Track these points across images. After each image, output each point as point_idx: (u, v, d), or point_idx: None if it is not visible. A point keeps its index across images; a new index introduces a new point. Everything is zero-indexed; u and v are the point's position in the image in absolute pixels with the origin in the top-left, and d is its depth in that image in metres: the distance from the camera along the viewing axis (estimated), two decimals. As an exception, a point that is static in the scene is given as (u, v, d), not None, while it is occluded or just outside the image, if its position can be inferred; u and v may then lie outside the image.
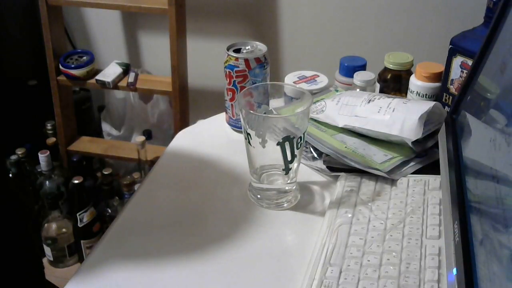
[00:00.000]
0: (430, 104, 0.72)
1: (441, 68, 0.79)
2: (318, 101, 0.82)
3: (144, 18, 1.79)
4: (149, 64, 1.88)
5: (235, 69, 0.79)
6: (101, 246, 0.64)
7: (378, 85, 0.88)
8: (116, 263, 0.61)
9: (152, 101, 1.82)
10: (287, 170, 0.66)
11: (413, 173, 0.70)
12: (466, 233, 0.50)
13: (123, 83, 1.61)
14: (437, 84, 0.80)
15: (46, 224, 1.49)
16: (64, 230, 1.51)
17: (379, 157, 0.72)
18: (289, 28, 1.68)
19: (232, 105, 0.84)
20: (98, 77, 1.60)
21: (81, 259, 1.55)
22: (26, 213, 1.10)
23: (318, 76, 0.90)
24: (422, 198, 0.65)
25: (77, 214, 1.44)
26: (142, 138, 1.58)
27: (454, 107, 0.69)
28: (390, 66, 0.85)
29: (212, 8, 1.70)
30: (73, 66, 1.60)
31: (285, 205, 0.69)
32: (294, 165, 0.66)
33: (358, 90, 0.85)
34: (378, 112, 0.73)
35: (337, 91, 0.86)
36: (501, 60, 0.57)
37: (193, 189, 0.73)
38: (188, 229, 0.66)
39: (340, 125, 0.76)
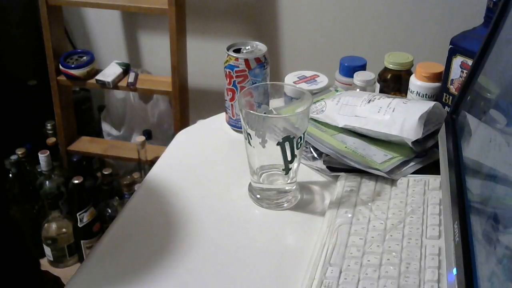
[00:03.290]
0: (430, 104, 0.72)
1: (441, 68, 0.79)
2: (318, 101, 0.82)
3: (144, 18, 1.79)
4: (149, 64, 1.88)
5: (235, 69, 0.79)
6: (101, 246, 0.64)
7: (378, 85, 0.88)
8: (116, 263, 0.61)
9: (152, 101, 1.82)
10: (287, 170, 0.66)
11: (413, 173, 0.70)
12: (466, 233, 0.50)
13: (123, 83, 1.61)
14: (437, 84, 0.80)
15: (46, 224, 1.49)
16: (64, 230, 1.51)
17: (379, 157, 0.72)
18: (289, 28, 1.68)
19: (232, 105, 0.84)
20: (98, 77, 1.60)
21: (81, 259, 1.55)
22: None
23: (318, 76, 0.90)
24: (422, 198, 0.65)
25: (77, 214, 1.44)
26: (142, 138, 1.58)
27: (454, 107, 0.69)
28: (390, 66, 0.85)
29: (212, 8, 1.70)
30: (73, 66, 1.60)
31: (285, 205, 0.69)
32: (294, 165, 0.66)
33: (358, 90, 0.85)
34: (378, 112, 0.73)
35: (337, 91, 0.86)
36: (501, 60, 0.57)
37: (193, 189, 0.73)
38: (188, 229, 0.66)
39: (340, 125, 0.76)
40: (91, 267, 0.61)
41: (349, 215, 0.63)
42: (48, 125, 1.67)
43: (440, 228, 0.59)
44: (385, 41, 1.59)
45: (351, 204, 0.65)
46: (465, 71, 0.75)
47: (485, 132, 0.56)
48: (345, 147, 0.73)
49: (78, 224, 1.45)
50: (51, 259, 1.54)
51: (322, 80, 0.89)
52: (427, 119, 0.71)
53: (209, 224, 0.67)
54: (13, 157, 1.54)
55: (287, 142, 0.63)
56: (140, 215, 0.69)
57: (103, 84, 1.59)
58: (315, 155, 0.75)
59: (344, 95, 0.80)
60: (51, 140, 1.58)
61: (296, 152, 0.64)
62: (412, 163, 0.71)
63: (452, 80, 0.77)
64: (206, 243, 0.63)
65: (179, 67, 1.55)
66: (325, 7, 1.61)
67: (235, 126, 0.86)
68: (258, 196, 0.69)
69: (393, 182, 0.69)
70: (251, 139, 0.64)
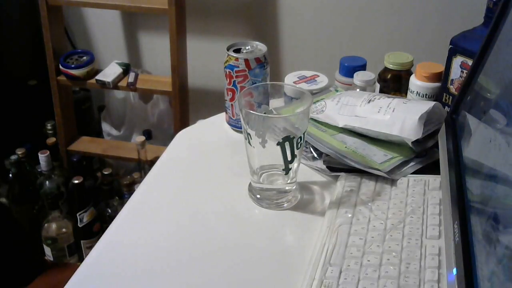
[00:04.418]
0: (430, 104, 0.72)
1: (441, 68, 0.79)
2: (318, 101, 0.82)
3: (144, 18, 1.79)
4: (149, 64, 1.88)
5: (235, 69, 0.79)
6: (101, 246, 0.64)
7: (378, 85, 0.88)
8: (116, 263, 0.61)
9: (152, 101, 1.82)
10: (287, 170, 0.66)
11: (413, 173, 0.70)
12: (466, 233, 0.50)
13: (123, 83, 1.61)
14: (437, 84, 0.80)
15: (46, 224, 1.49)
16: (64, 230, 1.50)
17: (379, 157, 0.72)
18: (289, 28, 1.68)
19: (232, 105, 0.84)
20: (98, 77, 1.60)
21: (81, 259, 1.55)
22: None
23: (318, 76, 0.90)
24: (422, 198, 0.65)
25: (77, 214, 1.44)
26: (142, 138, 1.58)
27: (454, 107, 0.69)
28: (390, 66, 0.85)
29: (212, 8, 1.70)
30: (73, 66, 1.60)
31: (285, 205, 0.69)
32: (294, 165, 0.66)
33: (358, 90, 0.85)
34: (378, 112, 0.73)
35: (337, 91, 0.86)
36: (501, 60, 0.57)
37: (193, 189, 0.73)
38: (188, 229, 0.66)
39: (340, 125, 0.76)
40: (91, 267, 0.61)
41: (349, 215, 0.63)
42: (48, 125, 1.67)
43: (440, 228, 0.59)
44: (385, 41, 1.59)
45: (351, 204, 0.65)
46: (465, 71, 0.75)
47: (485, 132, 0.56)
48: (345, 147, 0.73)
49: (78, 224, 1.45)
50: (51, 259, 1.54)
51: (322, 80, 0.89)
52: (427, 119, 0.71)
53: (209, 224, 0.67)
54: (13, 157, 1.54)
55: (287, 142, 0.63)
56: (140, 215, 0.69)
57: (103, 84, 1.59)
58: (315, 155, 0.75)
59: (344, 95, 0.80)
60: (51, 140, 1.58)
61: (296, 152, 0.64)
62: (412, 163, 0.71)
63: (452, 80, 0.77)
64: (206, 243, 0.63)
65: (179, 67, 1.55)
66: (325, 7, 1.61)
67: (235, 126, 0.86)
68: (258, 196, 0.69)
69: (393, 182, 0.69)
70: (251, 139, 0.64)
